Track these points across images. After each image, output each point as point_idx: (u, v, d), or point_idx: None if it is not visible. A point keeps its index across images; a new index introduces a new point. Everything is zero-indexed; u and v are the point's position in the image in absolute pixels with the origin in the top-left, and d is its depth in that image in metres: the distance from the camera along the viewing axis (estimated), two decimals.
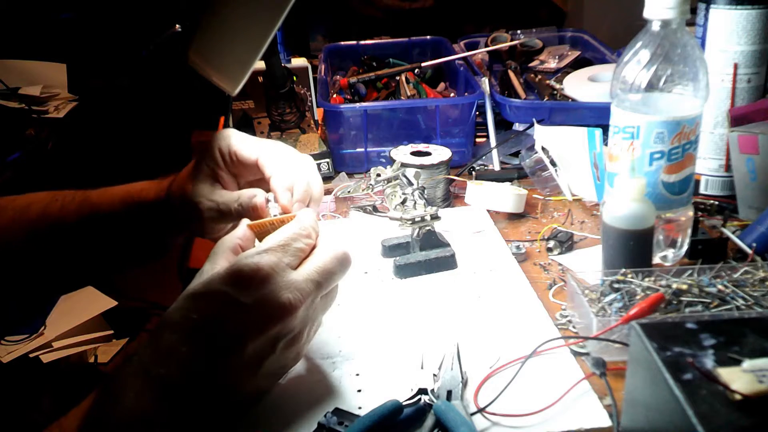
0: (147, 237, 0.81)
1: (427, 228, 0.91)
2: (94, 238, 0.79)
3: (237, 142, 0.74)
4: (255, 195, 0.72)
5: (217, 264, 0.64)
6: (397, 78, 1.40)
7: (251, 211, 0.72)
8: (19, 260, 0.80)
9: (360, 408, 0.66)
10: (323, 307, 0.67)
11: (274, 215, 0.71)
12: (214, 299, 0.59)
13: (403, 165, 1.00)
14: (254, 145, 0.74)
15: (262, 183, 0.76)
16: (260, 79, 1.27)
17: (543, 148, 1.08)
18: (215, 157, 0.75)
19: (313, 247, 0.66)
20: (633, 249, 0.79)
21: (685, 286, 0.73)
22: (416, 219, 0.90)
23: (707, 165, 1.04)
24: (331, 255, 0.65)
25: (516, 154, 1.22)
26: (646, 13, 0.80)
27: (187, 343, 0.58)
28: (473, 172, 1.17)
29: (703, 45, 1.00)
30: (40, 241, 0.79)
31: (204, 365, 0.58)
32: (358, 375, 0.71)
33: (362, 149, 1.23)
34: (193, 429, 0.59)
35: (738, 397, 0.47)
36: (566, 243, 0.93)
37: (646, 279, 0.76)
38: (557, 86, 1.37)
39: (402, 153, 1.07)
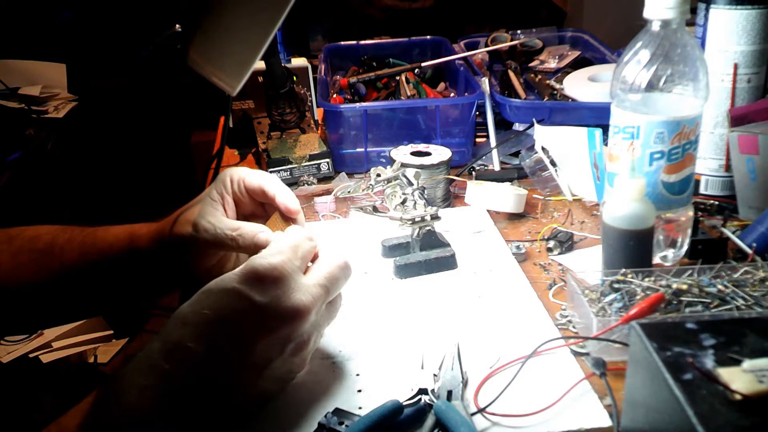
0: (143, 281, 0.81)
1: (427, 228, 0.91)
2: (93, 275, 0.80)
3: (245, 172, 0.79)
4: (260, 231, 0.72)
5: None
6: (397, 78, 1.40)
7: (251, 246, 0.72)
8: (24, 290, 0.80)
9: (360, 408, 0.66)
10: (328, 316, 0.68)
11: None
12: (228, 296, 0.60)
13: (403, 165, 1.00)
14: (259, 175, 0.79)
15: (255, 217, 0.79)
16: (260, 79, 1.27)
17: (543, 148, 1.08)
18: (225, 182, 0.77)
19: (315, 254, 0.68)
20: (633, 249, 0.79)
21: (685, 286, 0.73)
22: (416, 219, 0.90)
23: (707, 165, 1.04)
24: (336, 262, 0.67)
25: (516, 154, 1.22)
26: (646, 13, 0.80)
27: (197, 339, 0.58)
28: (473, 172, 1.17)
29: (703, 45, 1.00)
30: (45, 272, 0.80)
31: (211, 362, 0.58)
32: (358, 375, 0.71)
33: (362, 149, 1.23)
34: (193, 429, 0.59)
35: (738, 397, 0.47)
36: (566, 243, 0.93)
37: (646, 279, 0.76)
38: (557, 86, 1.37)
39: (402, 153, 1.07)
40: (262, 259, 0.61)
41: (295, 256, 0.63)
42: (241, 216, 0.79)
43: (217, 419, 0.60)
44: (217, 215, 0.75)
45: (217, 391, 0.59)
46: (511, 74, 1.43)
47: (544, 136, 1.07)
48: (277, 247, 0.64)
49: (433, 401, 0.65)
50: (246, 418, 0.64)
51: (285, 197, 0.76)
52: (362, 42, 1.61)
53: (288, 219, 0.77)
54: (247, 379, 0.61)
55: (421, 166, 1.03)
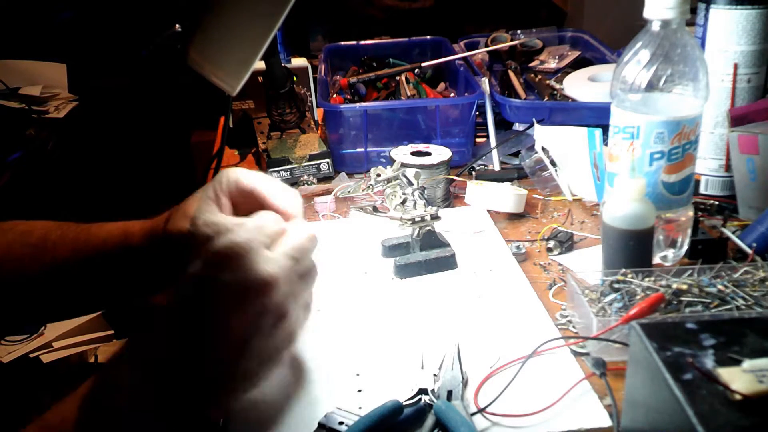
0: (136, 278, 0.81)
1: (427, 228, 0.91)
2: (86, 271, 0.80)
3: (241, 173, 0.77)
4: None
5: None
6: (397, 78, 1.40)
7: None
8: (16, 283, 0.80)
9: (360, 408, 0.66)
10: (305, 287, 0.66)
11: None
12: (192, 279, 0.60)
13: (403, 165, 1.00)
14: (254, 176, 0.77)
15: None
16: (260, 79, 1.27)
17: (543, 148, 1.08)
18: (221, 182, 0.76)
19: None
20: (633, 249, 0.79)
21: (685, 286, 0.73)
22: (416, 219, 0.90)
23: (707, 165, 1.04)
24: (302, 234, 0.65)
25: (516, 154, 1.22)
26: (646, 13, 0.80)
27: (169, 324, 0.59)
28: (473, 172, 1.17)
29: (703, 45, 1.00)
30: (37, 266, 0.80)
31: (186, 345, 0.58)
32: (358, 375, 0.71)
33: (362, 149, 1.23)
34: (181, 415, 0.59)
35: (738, 397, 0.47)
36: (566, 243, 0.93)
37: (646, 279, 0.76)
38: (557, 86, 1.37)
39: (402, 153, 1.08)
40: (223, 238, 0.61)
41: (259, 233, 0.63)
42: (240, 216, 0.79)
43: (207, 405, 0.60)
44: (214, 212, 0.75)
45: (199, 374, 0.59)
46: (511, 74, 1.43)
47: (544, 136, 1.07)
48: (241, 227, 0.63)
49: (433, 401, 0.65)
50: (244, 417, 0.64)
51: (280, 201, 0.73)
52: (362, 42, 1.60)
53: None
54: (228, 360, 0.60)
55: (421, 166, 1.03)
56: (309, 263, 0.66)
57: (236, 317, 0.59)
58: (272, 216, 0.67)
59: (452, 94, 1.41)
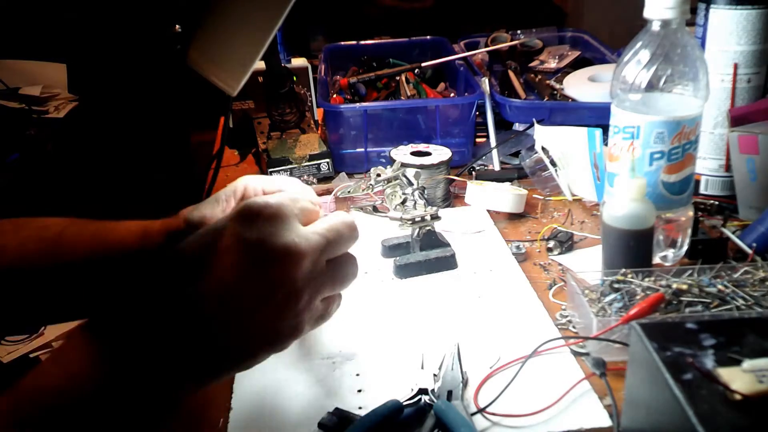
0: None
1: (427, 228, 0.91)
2: (102, 269, 0.77)
3: (263, 180, 0.76)
4: None
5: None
6: (397, 78, 1.40)
7: None
8: (31, 280, 0.79)
9: (360, 408, 0.66)
10: (332, 277, 0.60)
11: None
12: (218, 235, 0.55)
13: (403, 165, 1.00)
14: (278, 180, 0.77)
15: None
16: (260, 79, 1.27)
17: (543, 148, 1.08)
18: (236, 189, 0.74)
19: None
20: (633, 249, 0.79)
21: (685, 286, 0.73)
22: (416, 219, 0.90)
23: (707, 165, 1.04)
24: (340, 219, 0.61)
25: (516, 154, 1.22)
26: (646, 13, 0.80)
27: (180, 267, 0.55)
28: (473, 172, 1.17)
29: (703, 45, 1.00)
30: (52, 262, 0.78)
31: (190, 292, 0.54)
32: (358, 375, 0.71)
33: (362, 149, 1.23)
34: (147, 390, 0.53)
35: (738, 397, 0.47)
36: (566, 243, 0.93)
37: (646, 279, 0.76)
38: (557, 86, 1.37)
39: (402, 153, 1.08)
40: (258, 198, 0.57)
41: (293, 204, 0.58)
42: None
43: (187, 381, 0.55)
44: (216, 211, 0.74)
45: (190, 339, 0.54)
46: (511, 74, 1.43)
47: (544, 136, 1.07)
48: (276, 197, 0.59)
49: (433, 401, 0.65)
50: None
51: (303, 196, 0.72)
52: (362, 42, 1.61)
53: None
54: (224, 324, 0.54)
55: (421, 166, 1.03)
56: (343, 253, 0.61)
57: (246, 281, 0.54)
58: (305, 192, 0.64)
59: (452, 94, 1.41)
